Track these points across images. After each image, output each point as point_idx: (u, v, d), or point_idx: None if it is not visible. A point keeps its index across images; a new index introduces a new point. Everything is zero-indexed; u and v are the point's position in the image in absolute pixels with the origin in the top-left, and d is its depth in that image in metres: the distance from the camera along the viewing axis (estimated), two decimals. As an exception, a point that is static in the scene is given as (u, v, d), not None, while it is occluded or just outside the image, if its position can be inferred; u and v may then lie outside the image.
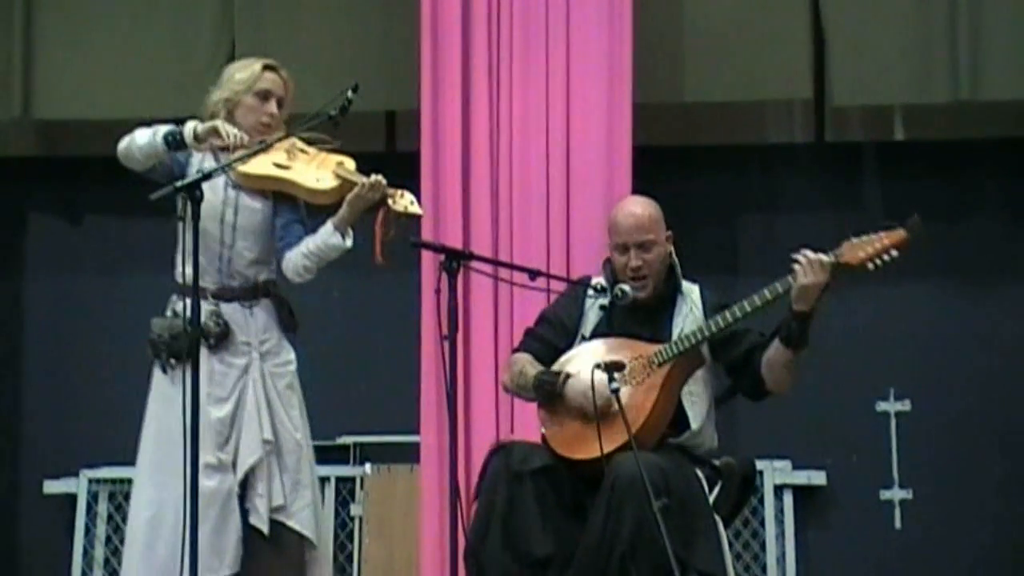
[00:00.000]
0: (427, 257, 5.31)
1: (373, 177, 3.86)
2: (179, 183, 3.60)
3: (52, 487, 5.99)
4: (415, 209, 3.92)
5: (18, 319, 6.25)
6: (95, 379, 6.06)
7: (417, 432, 5.46)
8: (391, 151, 6.11)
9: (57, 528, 5.96)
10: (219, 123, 3.85)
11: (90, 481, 5.89)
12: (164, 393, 3.88)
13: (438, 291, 3.77)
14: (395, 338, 5.80)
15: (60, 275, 6.24)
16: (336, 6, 5.86)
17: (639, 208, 4.10)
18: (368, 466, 5.80)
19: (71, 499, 5.93)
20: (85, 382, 6.06)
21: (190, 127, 3.84)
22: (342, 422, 5.93)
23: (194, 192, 3.56)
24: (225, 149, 3.83)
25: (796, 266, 3.77)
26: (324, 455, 5.90)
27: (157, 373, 3.94)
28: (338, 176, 3.91)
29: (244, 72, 3.98)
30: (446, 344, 3.74)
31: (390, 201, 3.89)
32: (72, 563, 5.84)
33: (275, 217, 3.97)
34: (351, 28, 5.84)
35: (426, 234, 5.33)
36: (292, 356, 4.02)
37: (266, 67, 4.01)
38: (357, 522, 5.81)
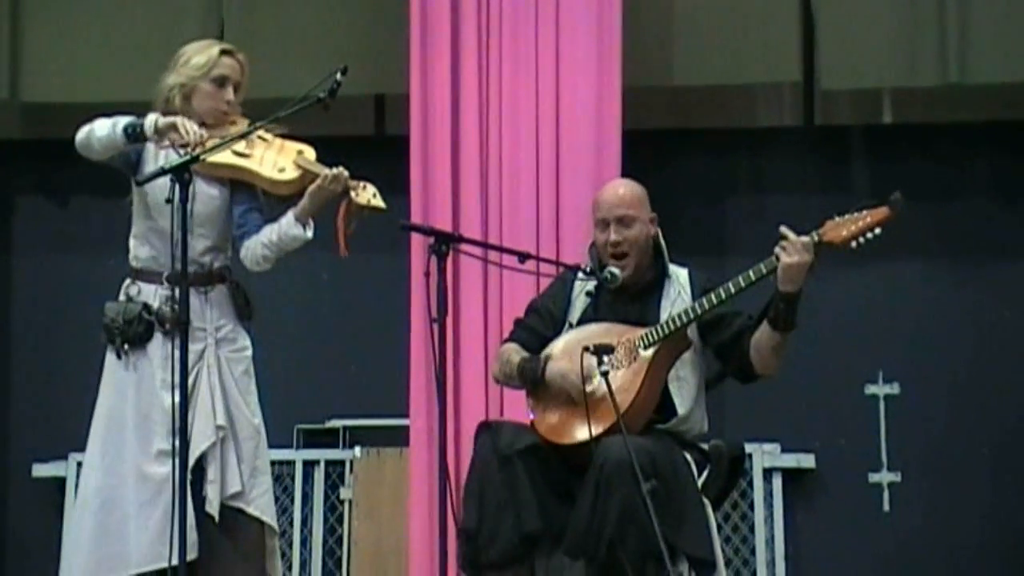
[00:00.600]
0: (416, 240, 5.30)
1: (335, 169, 3.81)
2: (167, 165, 3.58)
3: (41, 470, 5.99)
4: (378, 202, 3.85)
5: (5, 302, 6.24)
6: (84, 361, 6.02)
7: (406, 415, 5.46)
8: (380, 134, 6.10)
9: (46, 511, 5.95)
10: (179, 120, 3.74)
11: (79, 464, 5.86)
12: (117, 378, 3.83)
13: (427, 274, 3.76)
14: (384, 321, 5.79)
15: (48, 257, 6.23)
16: (326, -11, 5.86)
17: (622, 187, 4.12)
18: (357, 449, 5.81)
19: (60, 482, 5.92)
20: (74, 365, 6.04)
21: (151, 120, 3.74)
22: (331, 406, 5.93)
23: (183, 175, 3.54)
24: (185, 145, 3.74)
25: (779, 247, 3.77)
26: (314, 438, 5.92)
27: (110, 358, 3.87)
28: (299, 166, 3.84)
29: (201, 57, 3.90)
30: (435, 327, 3.73)
31: (352, 194, 3.83)
32: (61, 546, 5.83)
33: (232, 204, 3.91)
34: (340, 11, 5.82)
35: (415, 217, 5.33)
36: (248, 343, 3.95)
37: (223, 52, 3.93)
38: (347, 505, 5.81)
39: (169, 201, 3.57)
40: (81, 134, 3.81)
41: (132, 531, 3.70)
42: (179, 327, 3.60)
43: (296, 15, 5.83)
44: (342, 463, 5.86)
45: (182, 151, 3.74)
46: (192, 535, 3.69)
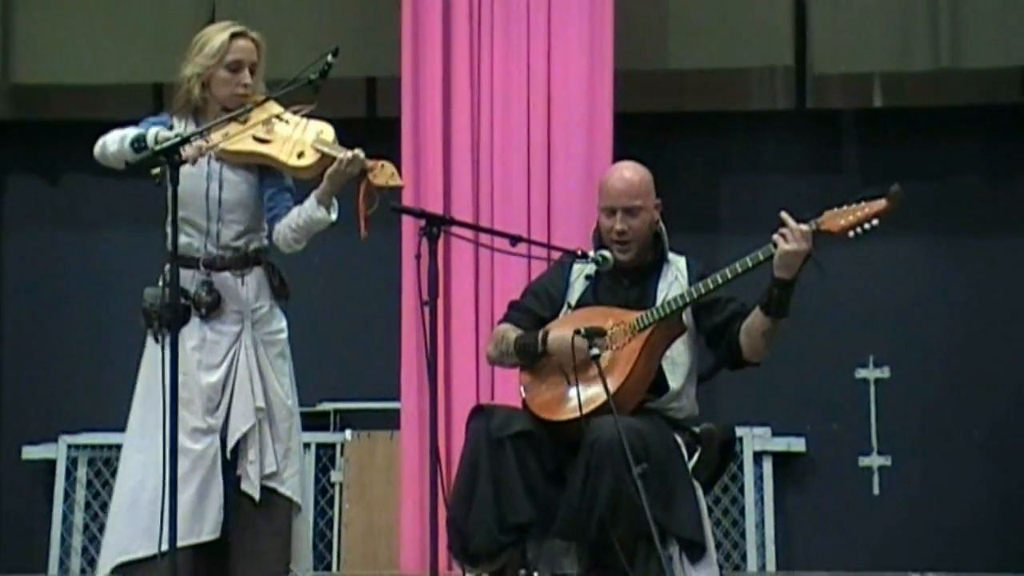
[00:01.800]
0: (408, 222, 5.30)
1: (351, 152, 3.82)
2: (157, 146, 3.58)
3: (31, 452, 5.98)
4: (396, 181, 3.88)
5: (-5, 283, 6.23)
6: (74, 344, 6.04)
7: (397, 398, 5.47)
8: (372, 116, 6.08)
9: (36, 494, 5.96)
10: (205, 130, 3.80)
11: (69, 447, 5.88)
12: (154, 360, 3.86)
13: (419, 256, 3.76)
14: (376, 304, 5.79)
15: (39, 238, 6.22)
16: (318, -30, 5.84)
17: (630, 172, 4.09)
18: (348, 432, 5.81)
19: (50, 464, 5.92)
20: (64, 347, 6.05)
21: (152, 135, 3.80)
22: (322, 388, 5.93)
23: (173, 157, 3.54)
24: (183, 162, 3.76)
25: (778, 234, 3.77)
26: (304, 421, 5.83)
27: (149, 341, 3.94)
28: (317, 150, 3.86)
29: (213, 43, 3.90)
30: (427, 310, 3.72)
31: (370, 175, 3.84)
32: (51, 528, 5.83)
33: (262, 187, 3.95)
34: (332, -7, 5.83)
35: (407, 200, 5.31)
36: (284, 324, 4.01)
37: (234, 35, 3.92)
38: (338, 488, 5.82)
39: (159, 184, 3.58)
40: (97, 148, 3.91)
41: (162, 508, 3.73)
42: (168, 312, 3.65)
43: (288, -3, 5.83)
44: (333, 446, 5.86)
45: (202, 123, 3.78)
46: (219, 514, 3.79)
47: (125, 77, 5.86)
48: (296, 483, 3.93)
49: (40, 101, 6.21)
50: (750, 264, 3.82)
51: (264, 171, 3.94)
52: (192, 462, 3.76)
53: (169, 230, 3.72)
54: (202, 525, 3.79)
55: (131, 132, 3.85)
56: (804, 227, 3.76)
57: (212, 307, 3.86)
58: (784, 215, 3.78)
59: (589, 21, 5.44)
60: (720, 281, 3.86)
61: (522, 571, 3.89)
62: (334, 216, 3.90)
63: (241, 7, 5.71)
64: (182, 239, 3.85)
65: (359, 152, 3.83)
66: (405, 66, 5.48)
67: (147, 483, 3.79)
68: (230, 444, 3.84)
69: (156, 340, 3.88)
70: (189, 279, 3.88)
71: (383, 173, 3.85)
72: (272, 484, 3.88)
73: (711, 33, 5.69)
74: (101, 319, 5.92)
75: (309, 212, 3.88)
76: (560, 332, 3.93)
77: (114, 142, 3.86)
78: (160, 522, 3.56)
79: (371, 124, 5.99)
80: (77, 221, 6.16)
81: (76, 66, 5.84)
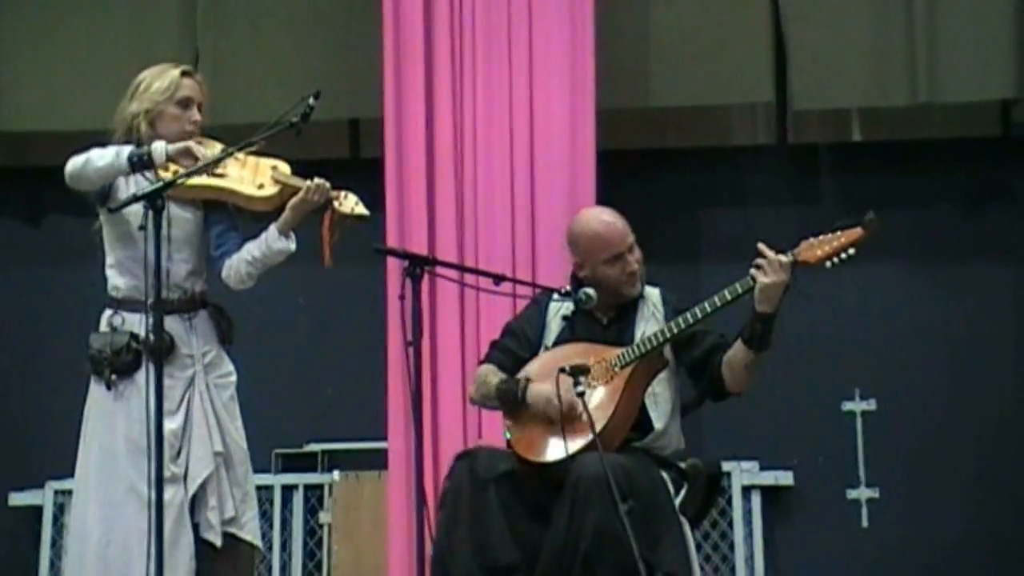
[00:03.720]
0: (392, 262, 5.31)
1: (316, 180, 3.83)
2: (139, 192, 3.57)
3: (17, 499, 5.96)
4: (361, 210, 3.88)
5: (-21, 329, 6.22)
6: (60, 389, 6.00)
7: (385, 438, 5.46)
8: (355, 157, 6.11)
9: (23, 540, 5.93)
10: (192, 144, 3.75)
11: (56, 492, 5.86)
12: (105, 409, 3.82)
13: (402, 297, 3.76)
14: (361, 344, 5.79)
15: (24, 282, 6.21)
16: (300, 15, 5.87)
17: (609, 216, 4.11)
18: (336, 473, 5.80)
19: (37, 511, 5.90)
20: (51, 392, 6.03)
21: (160, 148, 3.72)
22: (309, 429, 5.93)
23: (156, 202, 3.54)
24: (195, 172, 3.74)
25: (755, 268, 3.78)
26: (292, 463, 5.91)
27: (97, 389, 3.86)
28: (277, 181, 3.86)
29: (163, 81, 3.89)
30: (411, 350, 3.73)
31: (336, 203, 3.85)
32: (39, 575, 5.80)
33: (208, 226, 3.91)
34: (314, 37, 5.85)
35: (391, 240, 5.33)
36: (232, 368, 3.97)
37: (184, 73, 3.93)
38: (326, 529, 5.80)
39: (143, 228, 3.57)
40: (75, 165, 3.76)
41: (135, 559, 3.69)
42: (154, 354, 3.61)
43: (270, 40, 5.85)
44: (321, 487, 5.85)
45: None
46: (192, 563, 3.74)
47: (109, 124, 5.86)
48: (255, 527, 3.90)
49: (26, 148, 6.22)
50: (728, 297, 3.84)
51: (210, 209, 3.91)
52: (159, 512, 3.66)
53: (115, 279, 3.73)
54: (175, 574, 3.72)
55: (124, 149, 3.73)
56: (783, 258, 3.77)
57: (167, 351, 3.74)
58: (762, 246, 3.80)
59: (571, 59, 5.47)
60: (699, 315, 3.87)
61: None
62: (293, 245, 3.87)
63: (223, 51, 5.76)
64: (127, 281, 3.83)
65: (324, 181, 3.83)
66: (388, 107, 5.51)
67: (112, 537, 3.74)
68: (190, 491, 3.77)
69: (108, 388, 3.80)
70: (138, 323, 3.81)
71: (347, 202, 3.86)
72: (232, 530, 3.84)
73: (693, 72, 5.75)
74: (88, 363, 5.90)
75: (270, 243, 3.84)
76: (540, 386, 3.92)
77: (105, 157, 3.73)
78: (134, 572, 3.56)
79: (355, 165, 6.02)
80: (63, 267, 6.15)
81: (61, 113, 5.85)
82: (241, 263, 3.87)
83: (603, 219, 4.11)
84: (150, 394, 3.61)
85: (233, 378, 3.96)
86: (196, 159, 3.71)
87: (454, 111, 5.51)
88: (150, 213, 3.54)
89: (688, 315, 3.89)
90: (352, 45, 5.82)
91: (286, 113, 3.69)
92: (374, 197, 5.46)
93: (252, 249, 3.87)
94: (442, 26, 5.51)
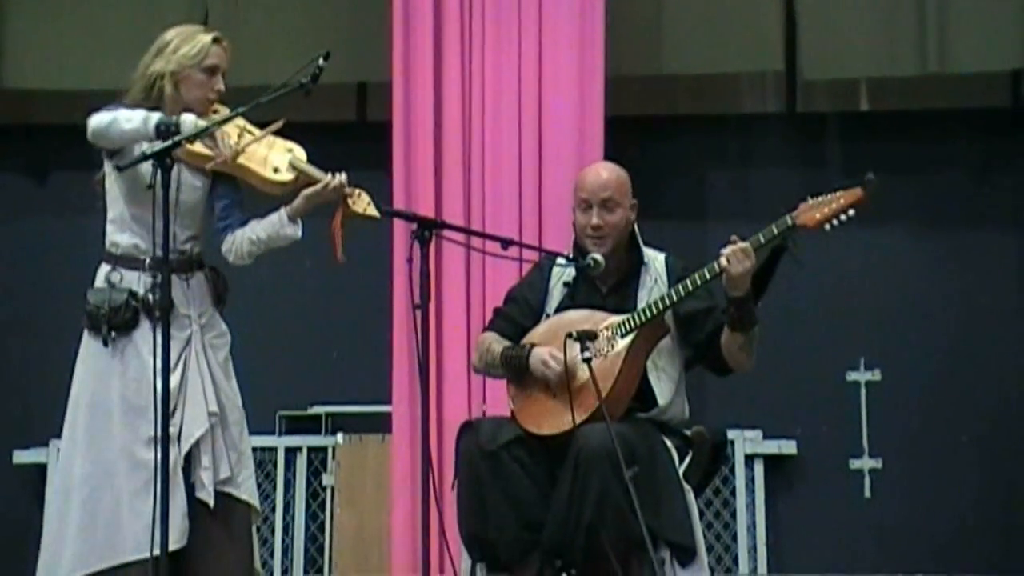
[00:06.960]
0: (399, 226, 5.30)
1: (339, 178, 3.79)
2: (148, 150, 3.55)
3: (21, 457, 5.98)
4: (372, 211, 3.83)
5: (-19, 287, 6.22)
6: (64, 347, 6.00)
7: (389, 402, 5.47)
8: (362, 121, 6.09)
9: (27, 498, 5.95)
10: (215, 131, 3.73)
11: (59, 450, 5.85)
12: (100, 366, 3.79)
13: (410, 260, 3.74)
14: (367, 308, 5.79)
15: (28, 240, 6.21)
16: (308, -23, 5.85)
17: (605, 171, 4.09)
18: (340, 436, 5.81)
19: (41, 469, 5.91)
20: (53, 350, 6.01)
21: (190, 122, 3.65)
22: (314, 392, 5.93)
23: (164, 161, 3.52)
24: (211, 159, 3.72)
25: (722, 258, 3.75)
26: (296, 425, 5.92)
27: (91, 345, 3.83)
28: (295, 168, 3.84)
29: (193, 46, 3.82)
30: (418, 313, 3.72)
31: (349, 201, 3.83)
32: (42, 533, 5.81)
33: (214, 197, 3.87)
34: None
35: (397, 203, 5.32)
36: (226, 329, 3.93)
37: (215, 40, 3.86)
38: (329, 492, 5.82)
39: (151, 187, 3.55)
40: (101, 122, 3.69)
41: (125, 519, 3.67)
42: (161, 312, 3.60)
43: (279, 2, 5.83)
44: (324, 450, 5.87)
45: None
46: (184, 522, 3.70)
47: (117, 83, 5.81)
48: (252, 486, 3.86)
49: (29, 105, 6.21)
50: (717, 270, 3.80)
51: (218, 180, 3.87)
52: (151, 471, 3.62)
53: (114, 236, 3.71)
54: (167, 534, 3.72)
55: (153, 115, 3.67)
56: (744, 244, 3.74)
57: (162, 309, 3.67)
58: (733, 237, 3.77)
59: (580, 25, 5.45)
60: (699, 282, 3.85)
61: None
62: (299, 232, 3.84)
63: (233, 12, 5.73)
64: (127, 238, 3.80)
65: (344, 178, 3.80)
66: (396, 70, 5.49)
67: (101, 495, 3.70)
68: (183, 451, 3.73)
69: (105, 344, 3.77)
70: (136, 280, 3.79)
71: (361, 201, 3.82)
72: (228, 489, 3.81)
73: (703, 39, 5.75)
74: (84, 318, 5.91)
75: (277, 227, 3.81)
76: (541, 349, 3.91)
77: (131, 120, 3.66)
78: (121, 533, 3.56)
79: (361, 128, 6.00)
80: (67, 227, 6.12)
81: (68, 72, 5.83)
82: (245, 241, 3.85)
83: (595, 166, 4.16)
84: (156, 352, 3.59)
85: (227, 338, 3.92)
86: (216, 145, 3.69)
87: (462, 76, 5.49)
88: (158, 173, 3.52)
89: (688, 282, 3.85)
90: (361, 8, 5.80)
91: (296, 74, 3.67)
92: (381, 160, 5.47)
93: (258, 230, 3.84)
94: (451, -10, 5.49)
